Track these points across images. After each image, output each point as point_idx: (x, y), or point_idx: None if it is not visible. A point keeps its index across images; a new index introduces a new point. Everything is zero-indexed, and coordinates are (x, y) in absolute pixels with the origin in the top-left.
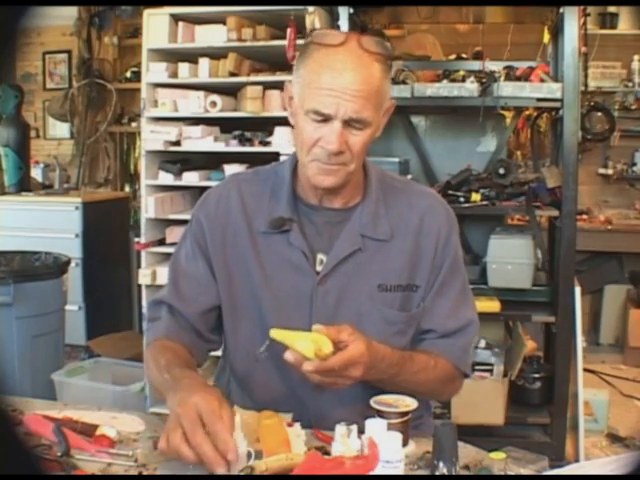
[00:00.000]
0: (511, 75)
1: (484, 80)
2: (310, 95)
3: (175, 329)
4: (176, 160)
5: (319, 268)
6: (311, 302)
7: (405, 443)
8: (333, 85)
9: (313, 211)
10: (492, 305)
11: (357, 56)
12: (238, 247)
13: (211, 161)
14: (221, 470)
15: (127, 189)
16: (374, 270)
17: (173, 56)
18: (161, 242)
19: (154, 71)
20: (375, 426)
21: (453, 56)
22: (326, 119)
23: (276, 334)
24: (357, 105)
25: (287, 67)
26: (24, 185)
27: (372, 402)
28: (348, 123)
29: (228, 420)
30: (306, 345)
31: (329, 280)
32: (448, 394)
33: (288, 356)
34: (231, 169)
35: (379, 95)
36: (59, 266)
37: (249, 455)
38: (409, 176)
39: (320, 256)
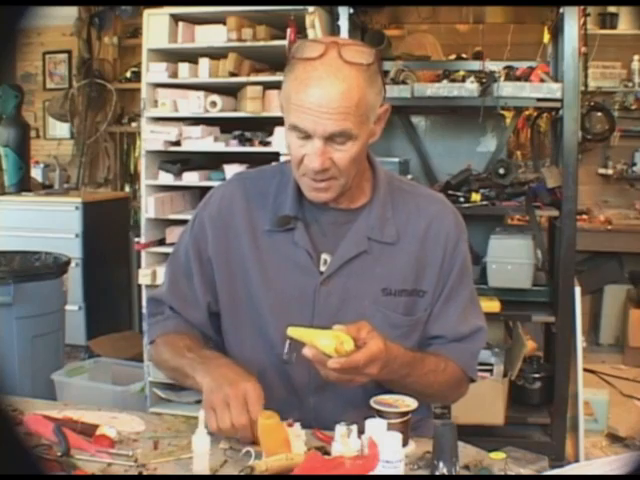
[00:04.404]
0: (511, 75)
1: (484, 80)
2: (290, 111)
3: (183, 326)
4: (176, 160)
5: (323, 268)
6: (314, 302)
7: (405, 443)
8: (309, 104)
9: (319, 210)
10: (492, 305)
11: (336, 69)
12: (240, 248)
13: (211, 161)
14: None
15: (127, 189)
16: (378, 273)
17: (173, 56)
18: (161, 242)
19: (154, 71)
20: (375, 426)
21: (453, 56)
22: (308, 136)
23: (294, 332)
24: (335, 122)
25: None
26: (24, 185)
27: (372, 402)
28: (331, 138)
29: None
30: (327, 342)
31: (332, 281)
32: (454, 398)
33: (307, 352)
34: (231, 169)
35: (363, 106)
36: (59, 266)
37: (249, 455)
38: (409, 176)
39: (324, 256)
